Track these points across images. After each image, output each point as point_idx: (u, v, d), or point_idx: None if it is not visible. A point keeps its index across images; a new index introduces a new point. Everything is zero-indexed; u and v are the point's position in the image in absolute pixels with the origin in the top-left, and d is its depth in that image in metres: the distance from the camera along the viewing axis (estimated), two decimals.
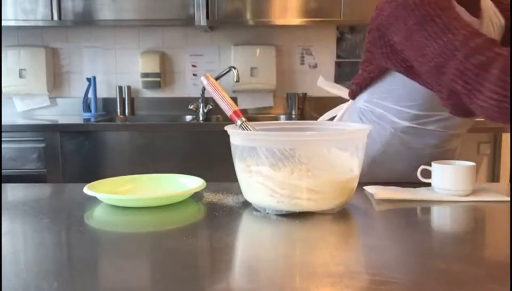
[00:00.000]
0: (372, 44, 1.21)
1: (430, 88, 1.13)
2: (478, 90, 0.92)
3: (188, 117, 2.88)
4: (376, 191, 1.08)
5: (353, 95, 1.32)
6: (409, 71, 1.15)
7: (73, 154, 2.41)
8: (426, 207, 1.03)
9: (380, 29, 1.15)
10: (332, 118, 1.44)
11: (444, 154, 1.27)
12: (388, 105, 1.23)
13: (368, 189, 1.11)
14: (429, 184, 1.10)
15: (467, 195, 1.06)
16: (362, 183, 1.09)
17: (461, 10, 1.10)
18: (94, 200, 1.02)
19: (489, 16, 1.19)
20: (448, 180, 1.06)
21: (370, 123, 1.26)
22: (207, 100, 2.84)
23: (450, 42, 0.97)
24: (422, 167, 1.11)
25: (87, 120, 2.71)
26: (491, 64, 0.91)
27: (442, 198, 1.05)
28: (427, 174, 1.10)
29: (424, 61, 1.02)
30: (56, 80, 2.98)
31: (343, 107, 1.41)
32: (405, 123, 1.22)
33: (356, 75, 1.30)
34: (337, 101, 1.40)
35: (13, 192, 1.19)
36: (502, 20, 1.20)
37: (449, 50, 0.97)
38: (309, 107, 2.97)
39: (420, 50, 1.03)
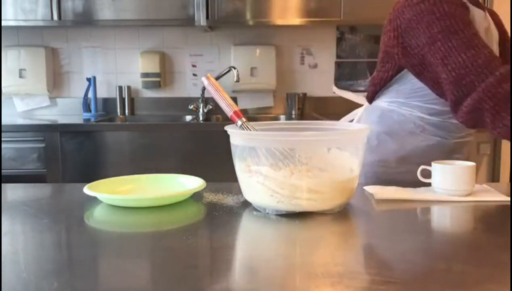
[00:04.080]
0: (386, 44, 1.26)
1: (438, 93, 1.22)
2: (504, 112, 1.06)
3: (188, 117, 2.88)
4: (376, 191, 1.08)
5: (371, 96, 1.37)
6: (419, 74, 1.23)
7: (73, 154, 2.41)
8: (426, 207, 1.02)
9: (397, 30, 1.21)
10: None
11: (465, 145, 1.34)
12: (414, 103, 1.28)
13: (368, 189, 1.11)
14: (429, 184, 1.10)
15: (467, 195, 1.06)
16: (362, 183, 1.08)
17: (474, 10, 1.19)
18: (94, 200, 1.02)
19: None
20: (448, 180, 1.06)
21: (392, 122, 1.31)
22: (207, 100, 2.84)
23: (473, 59, 1.09)
24: (422, 167, 1.11)
25: (87, 120, 2.71)
26: None
27: (442, 198, 1.05)
28: (427, 174, 1.10)
29: (445, 70, 1.12)
30: (56, 80, 2.98)
31: (357, 112, 1.44)
32: (432, 118, 1.28)
33: (371, 78, 1.36)
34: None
35: (13, 192, 1.19)
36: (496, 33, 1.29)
37: (473, 66, 1.09)
38: (309, 107, 2.97)
39: (442, 59, 1.12)
